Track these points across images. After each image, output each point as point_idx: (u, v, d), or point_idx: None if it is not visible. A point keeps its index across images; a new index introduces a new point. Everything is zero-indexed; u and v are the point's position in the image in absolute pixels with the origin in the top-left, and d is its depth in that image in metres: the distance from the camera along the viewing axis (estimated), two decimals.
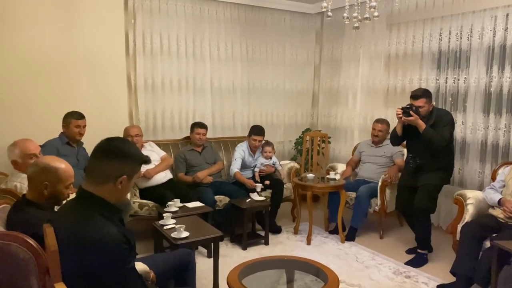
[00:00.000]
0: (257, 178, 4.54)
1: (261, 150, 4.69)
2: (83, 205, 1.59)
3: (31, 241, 1.69)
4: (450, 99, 4.38)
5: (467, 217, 3.36)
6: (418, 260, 3.69)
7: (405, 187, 3.85)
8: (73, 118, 3.70)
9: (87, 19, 4.16)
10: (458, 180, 4.33)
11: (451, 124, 3.60)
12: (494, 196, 3.27)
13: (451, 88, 4.34)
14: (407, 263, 3.67)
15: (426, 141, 3.52)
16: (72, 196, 1.73)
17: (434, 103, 3.69)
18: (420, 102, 3.55)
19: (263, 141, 4.72)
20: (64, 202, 2.11)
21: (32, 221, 1.89)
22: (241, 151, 4.62)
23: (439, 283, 3.23)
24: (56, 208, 2.16)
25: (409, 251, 3.92)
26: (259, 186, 4.26)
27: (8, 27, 3.81)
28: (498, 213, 3.20)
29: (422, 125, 3.51)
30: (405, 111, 3.53)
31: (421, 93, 3.58)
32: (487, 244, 3.04)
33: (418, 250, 3.75)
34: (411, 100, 3.62)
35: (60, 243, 1.47)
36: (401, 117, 3.58)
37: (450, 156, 3.71)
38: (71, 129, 3.69)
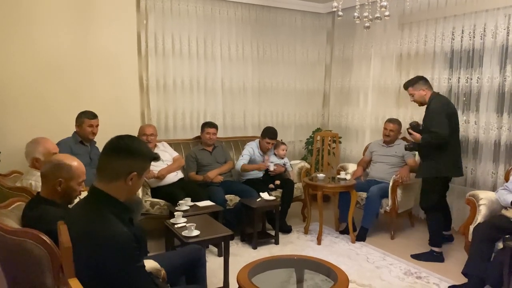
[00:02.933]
0: (272, 168, 4.55)
1: (275, 148, 4.70)
2: (94, 204, 1.62)
3: (45, 238, 1.73)
4: (464, 98, 4.33)
5: (479, 218, 3.32)
6: (426, 254, 3.75)
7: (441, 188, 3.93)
8: (86, 118, 3.75)
9: (100, 20, 4.22)
10: (471, 181, 4.29)
11: (437, 113, 3.57)
12: (507, 197, 3.23)
13: (463, 88, 4.30)
14: (413, 256, 3.76)
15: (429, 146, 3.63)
16: (84, 193, 1.76)
17: (429, 91, 3.77)
18: (409, 91, 3.82)
19: (281, 141, 4.78)
20: (76, 199, 2.16)
21: (46, 218, 1.93)
22: (250, 149, 4.63)
23: (450, 284, 3.20)
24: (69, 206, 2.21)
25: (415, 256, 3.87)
26: (272, 166, 4.26)
27: (23, 28, 3.88)
28: (511, 214, 3.16)
29: (418, 139, 3.69)
30: (414, 129, 3.77)
31: (406, 84, 3.84)
32: (500, 245, 3.00)
33: (432, 248, 3.79)
34: (406, 88, 3.88)
35: (72, 240, 1.50)
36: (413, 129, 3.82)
37: (441, 147, 3.58)
38: (84, 128, 3.74)
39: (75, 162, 2.17)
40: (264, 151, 4.68)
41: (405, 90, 3.90)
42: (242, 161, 4.55)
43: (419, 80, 3.80)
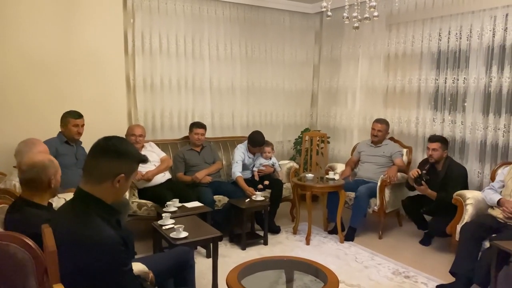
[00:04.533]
0: (256, 177, 4.53)
1: (261, 151, 4.67)
2: (81, 206, 1.58)
3: (29, 242, 1.68)
4: (449, 99, 4.38)
5: (466, 218, 3.36)
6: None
7: (416, 202, 4.12)
8: (71, 117, 3.68)
9: (86, 18, 4.15)
10: None
11: (463, 178, 3.82)
12: (493, 196, 3.28)
13: (450, 88, 4.34)
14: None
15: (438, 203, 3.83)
16: (70, 195, 1.72)
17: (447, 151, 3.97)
18: (434, 145, 3.88)
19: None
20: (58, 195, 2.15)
21: (31, 221, 1.89)
22: (241, 153, 4.56)
23: (438, 283, 3.22)
24: (54, 206, 2.16)
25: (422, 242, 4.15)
26: (259, 195, 4.15)
27: (8, 27, 3.79)
28: (497, 213, 3.20)
29: (431, 194, 3.85)
30: (417, 180, 3.89)
31: (438, 138, 3.94)
32: (487, 244, 3.04)
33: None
34: (428, 142, 3.95)
35: (58, 243, 1.46)
36: (413, 181, 3.93)
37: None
38: (69, 128, 3.68)
39: (50, 157, 2.22)
40: (253, 153, 4.66)
41: (431, 142, 3.90)
42: (237, 169, 4.44)
43: (448, 143, 3.98)
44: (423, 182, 3.86)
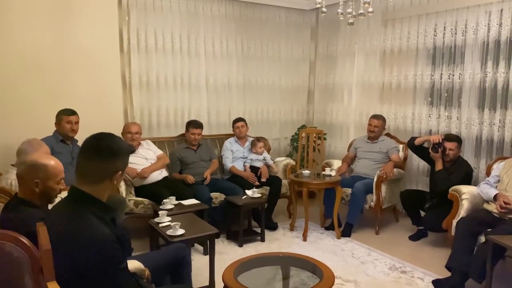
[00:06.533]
0: (248, 171, 4.59)
1: (254, 147, 4.68)
2: (75, 204, 1.58)
3: (24, 240, 1.68)
4: (446, 94, 4.39)
5: (462, 212, 3.37)
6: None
7: (415, 196, 4.16)
8: (64, 114, 3.69)
9: (81, 16, 4.13)
10: None
11: (467, 175, 3.78)
12: (489, 191, 3.29)
13: (446, 84, 4.35)
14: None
15: (435, 180, 3.90)
16: (65, 192, 1.72)
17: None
18: (451, 145, 3.82)
19: (256, 138, 4.77)
20: (57, 198, 2.09)
21: (25, 220, 1.88)
22: (228, 143, 4.75)
23: (434, 278, 3.24)
24: (50, 206, 2.15)
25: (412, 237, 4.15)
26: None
27: (2, 26, 3.77)
28: (493, 208, 3.22)
29: (438, 166, 3.87)
30: (434, 146, 3.89)
31: (454, 137, 3.90)
32: (482, 239, 3.05)
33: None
34: (444, 141, 3.88)
35: (52, 242, 1.46)
36: (432, 146, 3.92)
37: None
38: (63, 125, 3.68)
39: (51, 161, 2.07)
40: (239, 137, 4.76)
41: (449, 142, 3.83)
42: (227, 161, 4.65)
43: (461, 142, 3.94)
44: (440, 150, 3.86)
